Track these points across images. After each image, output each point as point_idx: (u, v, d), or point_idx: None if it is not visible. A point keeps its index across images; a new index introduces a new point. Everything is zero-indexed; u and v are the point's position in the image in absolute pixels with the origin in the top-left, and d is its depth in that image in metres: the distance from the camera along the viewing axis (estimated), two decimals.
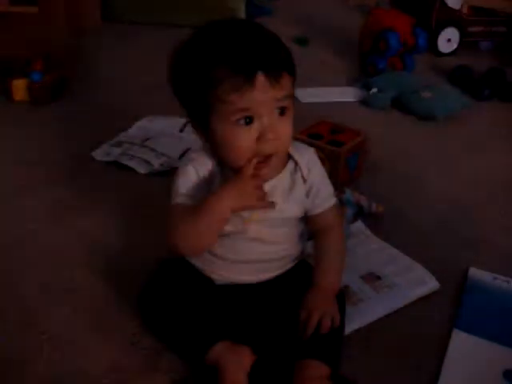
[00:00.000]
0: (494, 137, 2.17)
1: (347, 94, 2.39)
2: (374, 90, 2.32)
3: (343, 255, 1.18)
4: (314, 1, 3.65)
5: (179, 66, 1.02)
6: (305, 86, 2.29)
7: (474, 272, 1.42)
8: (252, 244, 1.09)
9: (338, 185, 1.57)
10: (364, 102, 2.33)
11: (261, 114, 0.95)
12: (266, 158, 0.99)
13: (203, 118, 1.01)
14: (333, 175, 1.54)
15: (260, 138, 0.96)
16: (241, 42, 0.96)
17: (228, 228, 1.06)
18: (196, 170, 1.05)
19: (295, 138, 1.12)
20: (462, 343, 1.22)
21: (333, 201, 1.14)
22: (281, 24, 3.03)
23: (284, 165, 1.08)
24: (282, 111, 0.97)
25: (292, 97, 1.00)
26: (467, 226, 1.62)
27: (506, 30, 3.06)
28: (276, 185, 1.06)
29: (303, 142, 1.37)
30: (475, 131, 2.19)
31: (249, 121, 0.95)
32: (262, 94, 0.93)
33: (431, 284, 1.35)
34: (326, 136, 1.70)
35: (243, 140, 0.96)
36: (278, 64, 0.95)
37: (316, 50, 2.90)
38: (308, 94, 2.26)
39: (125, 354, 1.13)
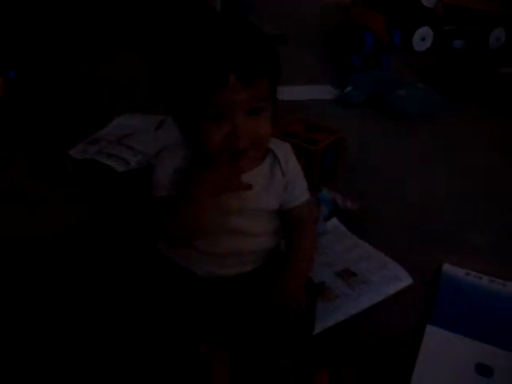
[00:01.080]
0: (467, 135, 2.19)
1: (322, 92, 2.41)
2: (349, 88, 2.34)
3: (313, 249, 1.20)
4: None
5: (160, 61, 1.02)
6: (281, 83, 2.28)
7: (447, 268, 1.45)
8: (232, 236, 1.10)
9: (314, 183, 1.58)
10: (339, 100, 2.35)
11: (231, 113, 0.95)
12: (240, 152, 1.00)
13: (180, 112, 1.02)
14: (308, 173, 1.56)
15: (230, 136, 0.97)
16: (218, 42, 0.95)
17: (209, 219, 1.05)
18: (173, 163, 1.05)
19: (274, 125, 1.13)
20: (435, 338, 1.25)
21: (307, 196, 1.16)
22: (259, 22, 3.04)
23: (263, 157, 1.10)
24: (255, 112, 0.98)
25: (268, 98, 0.99)
26: (440, 223, 1.64)
27: (478, 29, 3.09)
28: (255, 176, 1.07)
29: (279, 139, 1.38)
30: (448, 130, 2.21)
31: (219, 119, 0.96)
32: (233, 95, 0.93)
33: (405, 280, 1.37)
34: (302, 134, 1.71)
35: (214, 136, 0.96)
36: (253, 67, 0.93)
37: (293, 48, 2.90)
38: (284, 92, 2.25)
39: None
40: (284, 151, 1.11)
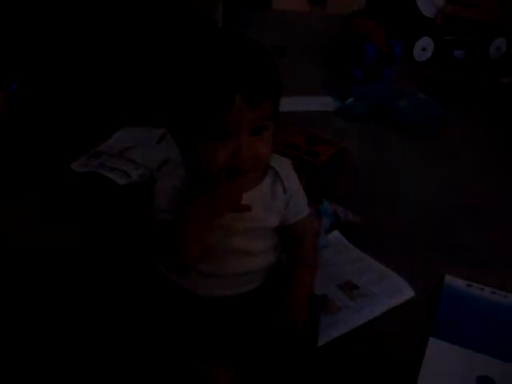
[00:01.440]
0: (468, 145, 2.20)
1: (323, 104, 2.41)
2: (350, 99, 2.35)
3: (315, 262, 1.20)
4: (292, 10, 3.66)
5: (163, 81, 1.02)
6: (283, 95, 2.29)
7: (449, 280, 1.45)
8: (235, 257, 1.10)
9: (315, 195, 1.59)
10: (340, 112, 2.35)
11: (236, 133, 0.95)
12: (241, 172, 1.00)
13: (181, 132, 1.01)
14: (309, 186, 1.57)
15: (234, 156, 0.96)
16: (223, 62, 0.94)
17: (212, 241, 1.05)
18: (173, 184, 1.04)
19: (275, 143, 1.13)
20: (437, 351, 1.25)
21: (307, 210, 1.16)
22: (259, 34, 3.05)
23: (263, 176, 1.10)
24: (259, 131, 0.98)
25: (272, 117, 0.99)
26: (442, 234, 1.64)
27: (478, 39, 3.11)
28: (256, 195, 1.07)
29: (280, 152, 1.38)
30: (450, 140, 2.22)
31: (224, 138, 0.95)
32: (239, 115, 0.92)
33: (407, 292, 1.37)
34: (303, 146, 1.71)
35: (218, 156, 0.95)
36: (259, 89, 0.93)
37: (293, 59, 2.91)
38: (284, 104, 2.25)
39: None
40: (284, 168, 1.12)
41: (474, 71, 2.88)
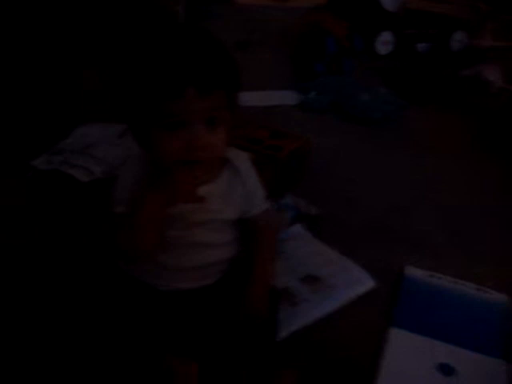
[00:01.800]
0: (429, 138, 2.23)
1: (286, 98, 2.42)
2: (312, 93, 2.36)
3: (275, 255, 1.21)
4: (255, 3, 3.66)
5: (119, 70, 1.03)
6: (244, 89, 2.29)
7: (410, 270, 1.47)
8: (195, 249, 1.11)
9: (278, 189, 1.60)
10: (302, 106, 2.37)
11: (189, 123, 0.96)
12: (196, 163, 1.01)
13: (137, 123, 1.02)
14: (272, 180, 1.58)
15: (188, 145, 0.97)
16: (177, 53, 0.97)
17: (172, 233, 1.07)
18: (133, 178, 1.05)
19: (234, 142, 1.14)
20: (398, 340, 1.27)
21: (266, 203, 1.18)
22: (222, 28, 3.05)
23: (221, 169, 1.11)
24: (213, 121, 0.99)
25: (225, 109, 1.01)
26: (403, 226, 1.67)
27: (439, 32, 3.14)
28: (214, 188, 1.09)
29: (242, 146, 1.39)
30: (411, 133, 2.25)
31: (177, 127, 0.97)
32: (191, 105, 0.94)
33: (368, 283, 1.39)
34: (266, 141, 1.72)
35: (170, 145, 0.97)
36: (210, 80, 0.95)
37: (256, 53, 2.92)
38: (247, 98, 2.25)
39: None
40: (243, 162, 1.13)
41: (436, 64, 2.92)
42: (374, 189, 1.85)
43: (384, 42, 3.01)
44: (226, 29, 3.12)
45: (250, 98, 2.31)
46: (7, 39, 2.60)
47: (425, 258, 1.53)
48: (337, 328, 1.28)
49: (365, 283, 1.39)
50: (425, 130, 2.30)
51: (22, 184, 1.74)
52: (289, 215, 1.52)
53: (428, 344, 1.27)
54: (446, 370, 1.22)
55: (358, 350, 1.24)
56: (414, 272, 1.47)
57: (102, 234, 1.45)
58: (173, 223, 1.06)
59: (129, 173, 1.07)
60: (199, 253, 1.12)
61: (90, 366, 1.15)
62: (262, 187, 1.17)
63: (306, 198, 1.64)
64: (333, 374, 1.18)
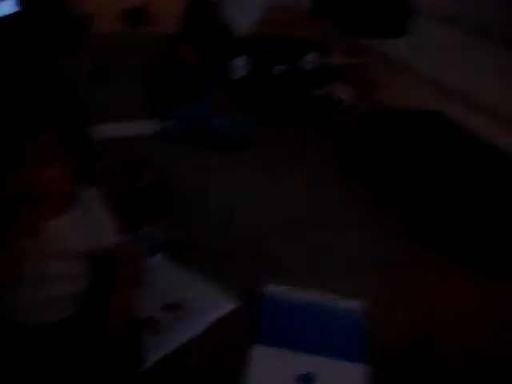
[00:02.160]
0: (282, 157, 2.32)
1: (144, 127, 2.42)
2: (170, 121, 2.39)
3: (131, 287, 1.24)
4: (114, 31, 3.63)
5: None
6: (103, 120, 2.29)
7: (269, 288, 1.53)
8: (49, 282, 1.11)
9: (137, 220, 1.62)
10: (160, 134, 2.40)
11: (16, 165, 0.98)
12: (33, 202, 1.02)
13: None
14: (130, 211, 1.59)
15: (20, 183, 0.99)
16: (8, 97, 0.98)
17: (24, 268, 1.07)
18: None
19: (89, 176, 1.16)
20: (261, 356, 1.33)
21: (117, 237, 1.20)
22: (79, 58, 3.04)
23: (70, 204, 1.12)
24: (45, 161, 1.01)
25: (61, 150, 1.02)
26: (258, 246, 1.73)
27: (292, 54, 3.26)
28: (61, 222, 1.10)
29: (98, 179, 1.40)
30: (265, 154, 2.32)
31: (8, 167, 0.98)
32: (18, 144, 0.96)
33: (229, 305, 1.45)
34: (122, 172, 1.73)
35: (4, 185, 0.99)
36: (36, 122, 0.97)
37: (115, 82, 2.88)
38: (105, 129, 2.25)
39: None
40: (89, 196, 1.15)
41: (290, 85, 3.01)
42: (234, 213, 1.90)
43: (239, 67, 3.08)
44: (85, 58, 3.10)
45: (108, 130, 2.29)
46: None
47: (282, 275, 1.59)
48: (200, 353, 1.32)
49: (226, 305, 1.44)
50: (279, 150, 2.36)
51: None
52: (147, 245, 1.54)
53: (290, 356, 1.34)
54: (306, 379, 1.28)
55: (224, 369, 1.28)
56: (273, 289, 1.53)
57: None
58: (24, 258, 1.06)
59: None
60: (52, 285, 1.12)
61: None
62: (111, 220, 1.19)
63: (168, 226, 1.67)
64: None
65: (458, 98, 2.51)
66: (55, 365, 1.12)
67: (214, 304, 1.43)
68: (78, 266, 1.16)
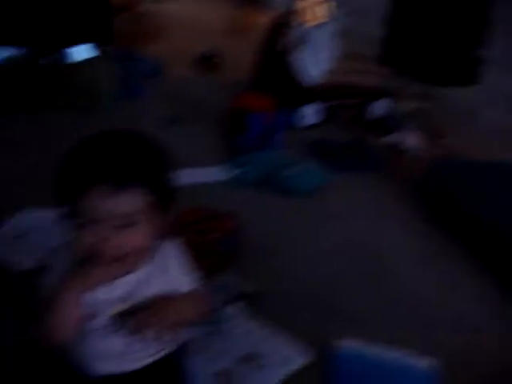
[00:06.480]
0: (352, 207, 2.31)
1: (214, 175, 2.47)
2: (241, 169, 2.43)
3: (194, 315, 1.19)
4: (186, 76, 3.71)
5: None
6: (176, 167, 2.30)
7: (345, 343, 1.52)
8: (121, 336, 1.12)
9: (213, 270, 1.63)
10: (232, 182, 2.43)
11: (96, 222, 1.00)
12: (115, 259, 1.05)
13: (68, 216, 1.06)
14: (206, 261, 1.61)
15: (97, 244, 1.01)
16: (89, 155, 1.02)
17: (95, 322, 1.10)
18: (63, 263, 1.08)
19: (166, 227, 1.17)
20: None
21: (195, 288, 1.20)
22: (151, 104, 3.12)
23: (146, 257, 1.13)
24: (125, 226, 1.03)
25: (142, 211, 1.04)
26: (337, 298, 1.72)
27: (362, 101, 3.28)
28: (137, 278, 1.11)
29: (175, 230, 1.42)
30: (336, 203, 2.32)
31: (87, 226, 1.01)
32: (97, 205, 0.99)
33: (303, 359, 1.44)
34: (198, 223, 1.76)
35: (81, 242, 1.01)
36: (116, 178, 1.00)
37: (186, 129, 2.94)
38: (178, 176, 2.26)
39: None
40: (168, 249, 1.17)
41: (359, 133, 3.03)
42: (307, 261, 1.91)
43: (309, 115, 3.11)
44: (156, 103, 3.18)
45: (181, 176, 2.30)
46: None
47: (357, 328, 1.59)
48: None
49: (300, 359, 1.44)
50: (349, 199, 2.37)
51: None
52: (222, 296, 1.56)
53: None
54: None
55: None
56: (347, 344, 1.52)
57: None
58: (98, 312, 1.09)
59: (60, 260, 1.11)
60: (118, 339, 1.12)
61: None
62: (191, 272, 1.21)
63: (241, 276, 1.68)
64: None
65: None
66: None
67: (288, 357, 1.43)
68: None
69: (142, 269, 1.13)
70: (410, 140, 2.83)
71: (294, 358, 1.44)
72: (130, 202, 1.02)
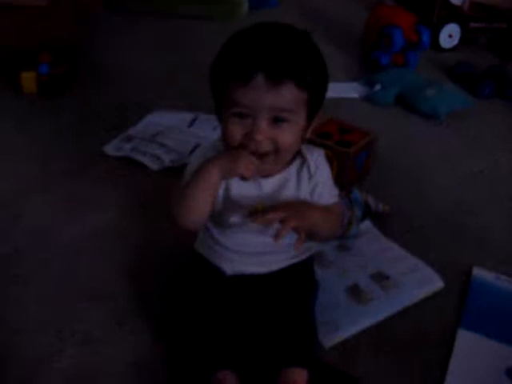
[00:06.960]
0: (495, 134, 2.19)
1: (351, 90, 2.40)
2: (378, 86, 2.35)
3: (333, 225, 1.20)
4: None
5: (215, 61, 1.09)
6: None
7: (478, 271, 1.46)
8: (257, 236, 1.14)
9: (346, 184, 1.61)
10: (367, 99, 2.35)
11: (252, 114, 1.01)
12: (258, 154, 1.04)
13: (218, 107, 1.09)
14: (341, 175, 1.59)
15: (248, 135, 1.02)
16: (252, 44, 1.02)
17: (234, 219, 1.12)
18: (206, 156, 1.10)
19: (309, 133, 1.15)
20: (467, 342, 1.27)
21: (333, 200, 1.19)
22: (284, 16, 3.05)
23: (290, 161, 1.13)
24: (278, 120, 1.02)
25: (295, 110, 1.03)
26: (470, 224, 1.65)
27: (506, 26, 3.08)
28: (281, 180, 1.12)
29: (312, 140, 1.41)
30: (477, 129, 2.21)
31: (241, 116, 1.02)
32: (256, 95, 0.99)
33: (437, 283, 1.39)
34: (335, 135, 1.72)
35: (233, 132, 1.03)
36: (279, 68, 0.98)
37: (319, 44, 2.87)
38: None
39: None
40: (315, 157, 1.15)
41: (501, 59, 2.86)
42: (442, 186, 1.83)
43: (449, 36, 2.96)
44: (290, 19, 3.11)
45: None
46: None
47: (492, 258, 1.52)
48: (405, 327, 1.29)
49: (434, 283, 1.39)
50: (490, 127, 2.24)
51: None
52: (358, 211, 1.52)
53: (496, 347, 1.27)
54: None
55: (426, 350, 1.25)
56: (482, 274, 1.46)
57: None
58: (237, 209, 1.11)
59: (202, 154, 1.14)
60: (260, 240, 1.14)
61: None
62: (332, 186, 1.18)
63: (374, 194, 1.63)
64: (400, 373, 1.20)
65: None
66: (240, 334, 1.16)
67: (421, 280, 1.39)
68: None
69: (286, 171, 1.13)
70: None
71: (427, 281, 1.39)
72: (288, 96, 1.00)
